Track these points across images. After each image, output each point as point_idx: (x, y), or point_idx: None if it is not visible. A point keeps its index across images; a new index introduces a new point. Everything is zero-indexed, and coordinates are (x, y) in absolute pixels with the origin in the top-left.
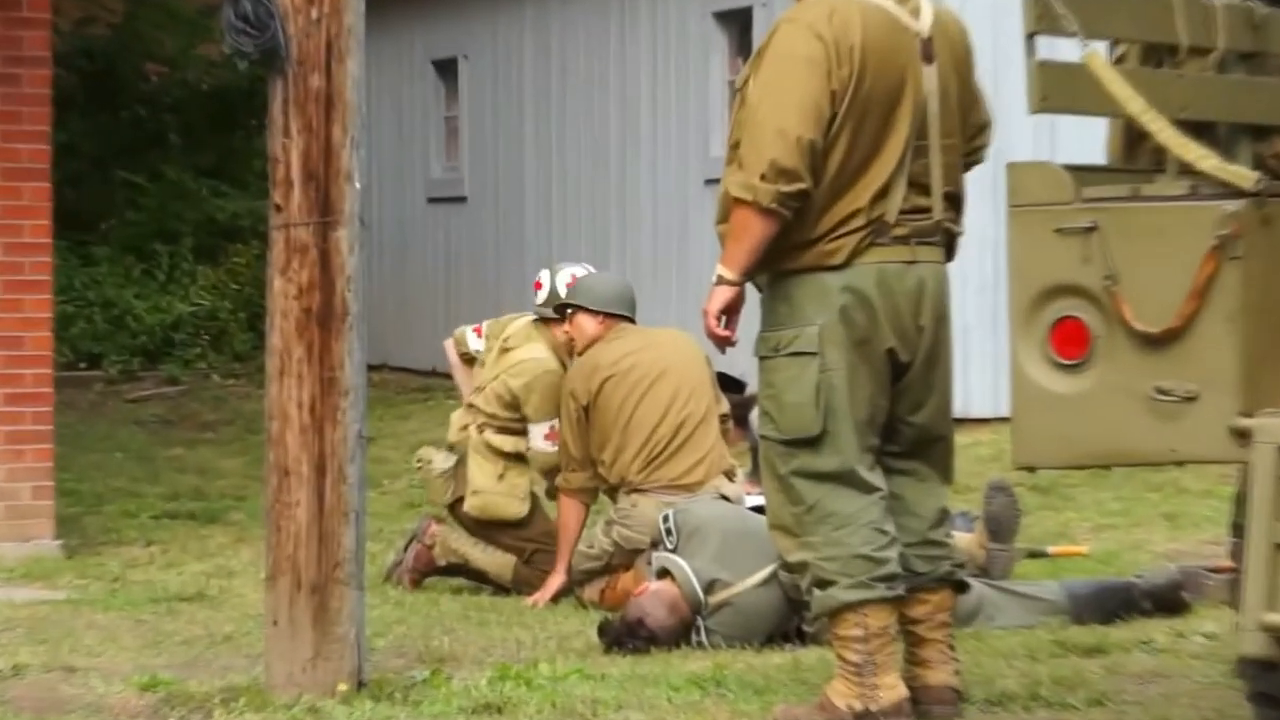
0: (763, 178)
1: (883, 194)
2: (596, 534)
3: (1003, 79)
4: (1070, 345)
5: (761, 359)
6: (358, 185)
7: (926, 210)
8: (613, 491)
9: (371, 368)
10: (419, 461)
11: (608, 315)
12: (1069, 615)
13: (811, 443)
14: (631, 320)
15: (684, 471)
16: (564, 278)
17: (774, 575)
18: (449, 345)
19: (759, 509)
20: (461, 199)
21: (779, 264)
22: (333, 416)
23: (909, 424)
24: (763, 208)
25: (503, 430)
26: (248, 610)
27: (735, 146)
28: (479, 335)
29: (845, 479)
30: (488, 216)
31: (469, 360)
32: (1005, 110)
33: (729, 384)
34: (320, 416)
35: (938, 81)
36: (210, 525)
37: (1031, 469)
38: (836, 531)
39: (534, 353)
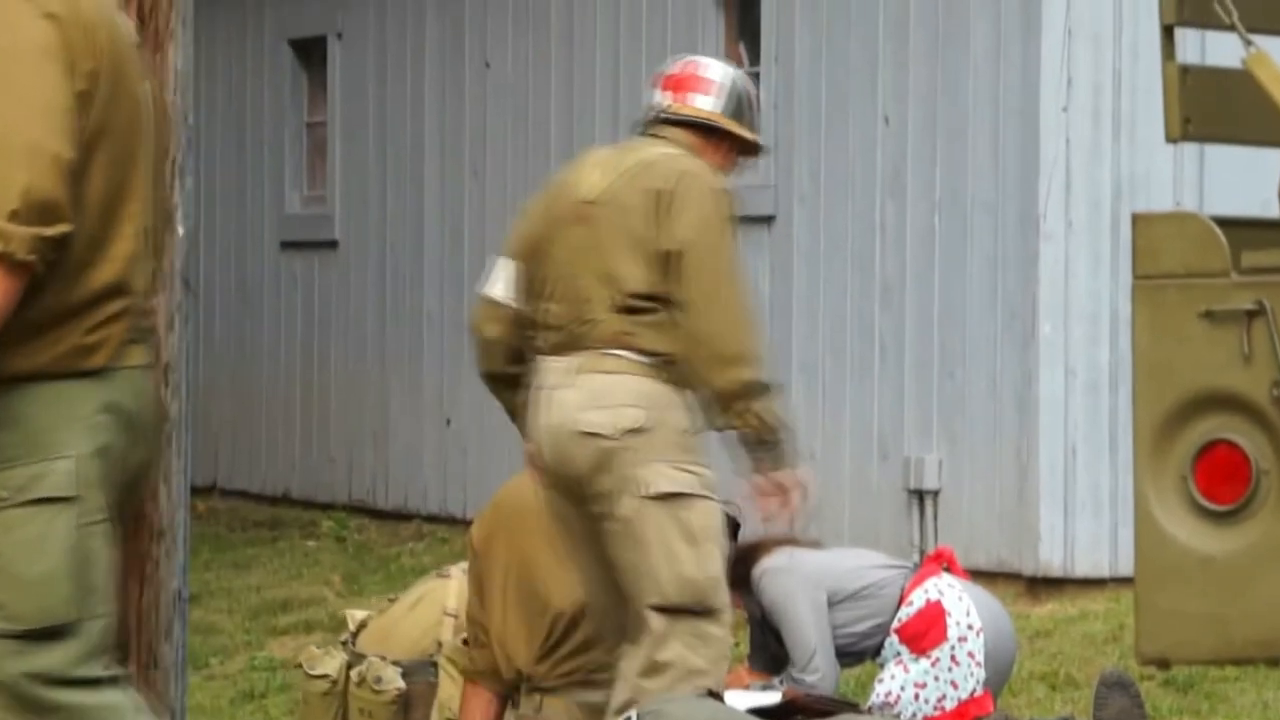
0: (13, 215)
1: (134, 260)
2: None
3: (1133, 90)
4: (1223, 483)
5: None
6: (179, 230)
7: (153, 292)
8: (512, 689)
9: (195, 491)
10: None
11: None
12: None
13: (60, 633)
14: None
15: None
16: None
17: None
18: None
19: (763, 713)
20: (330, 244)
21: None
22: (139, 571)
23: None
24: (17, 261)
25: None
26: None
27: None
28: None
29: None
30: (369, 270)
31: None
32: (1134, 137)
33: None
34: (122, 571)
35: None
36: None
37: (1165, 665)
38: None
39: None
